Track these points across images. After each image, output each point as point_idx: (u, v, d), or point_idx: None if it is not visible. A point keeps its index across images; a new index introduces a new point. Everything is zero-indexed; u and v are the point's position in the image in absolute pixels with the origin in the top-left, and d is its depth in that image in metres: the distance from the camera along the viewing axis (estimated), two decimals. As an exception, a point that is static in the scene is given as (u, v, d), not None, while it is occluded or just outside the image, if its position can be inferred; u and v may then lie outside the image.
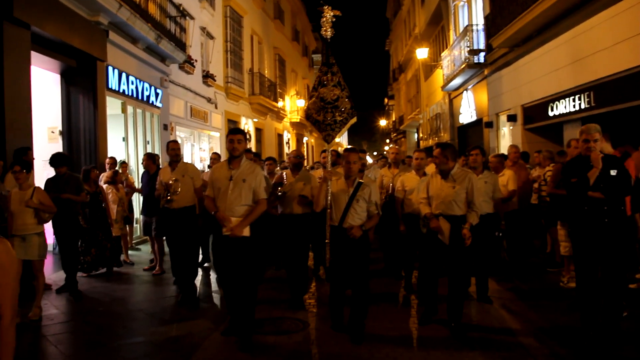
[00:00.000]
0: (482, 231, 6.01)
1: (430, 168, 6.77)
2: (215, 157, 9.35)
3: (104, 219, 8.16)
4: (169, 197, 6.61)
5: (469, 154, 6.55)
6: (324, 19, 5.59)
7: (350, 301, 5.13)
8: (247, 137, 21.44)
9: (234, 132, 5.06)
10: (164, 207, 6.76)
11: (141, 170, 9.87)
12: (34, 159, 7.43)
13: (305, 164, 14.30)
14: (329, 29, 5.60)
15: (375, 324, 5.43)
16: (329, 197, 5.12)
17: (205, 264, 8.71)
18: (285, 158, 23.42)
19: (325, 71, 5.60)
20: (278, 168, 9.52)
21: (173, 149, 6.94)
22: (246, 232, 4.86)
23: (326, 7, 5.60)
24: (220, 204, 4.95)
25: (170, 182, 6.62)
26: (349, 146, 5.77)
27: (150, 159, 8.45)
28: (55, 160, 7.01)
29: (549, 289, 6.86)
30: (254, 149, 22.44)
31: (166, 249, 8.04)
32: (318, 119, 5.56)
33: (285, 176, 6.45)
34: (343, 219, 5.06)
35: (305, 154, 34.60)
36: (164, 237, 8.07)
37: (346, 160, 5.12)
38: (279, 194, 6.35)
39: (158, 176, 7.04)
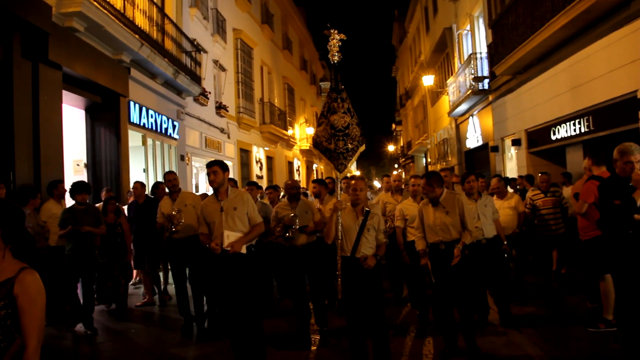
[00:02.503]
0: (491, 254, 6.09)
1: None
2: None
3: (121, 252, 7.80)
4: (173, 229, 6.44)
5: (464, 182, 6.36)
6: (331, 43, 5.47)
7: (371, 333, 4.92)
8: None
9: (208, 165, 5.14)
10: (169, 238, 6.62)
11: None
12: (66, 191, 7.89)
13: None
14: (336, 53, 5.46)
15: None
16: (340, 228, 4.95)
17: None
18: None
19: (335, 97, 5.36)
20: (283, 195, 9.61)
21: (169, 180, 6.79)
22: (243, 249, 4.91)
23: (333, 31, 5.49)
24: (215, 237, 4.96)
25: (174, 213, 6.45)
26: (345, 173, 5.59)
27: (143, 188, 8.19)
28: (76, 189, 6.88)
29: (569, 314, 6.62)
30: (265, 177, 22.97)
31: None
32: (329, 147, 5.30)
33: (297, 221, 6.06)
34: (355, 249, 4.88)
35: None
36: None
37: (353, 188, 5.01)
38: (289, 236, 6.08)
39: (159, 208, 6.86)
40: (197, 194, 8.64)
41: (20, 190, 7.20)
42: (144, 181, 11.99)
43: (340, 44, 5.46)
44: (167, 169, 13.13)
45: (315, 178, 6.85)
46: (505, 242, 6.55)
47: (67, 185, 8.81)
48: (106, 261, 7.60)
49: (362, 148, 5.43)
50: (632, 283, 4.38)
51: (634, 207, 4.30)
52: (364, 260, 4.81)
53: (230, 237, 4.85)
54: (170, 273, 8.09)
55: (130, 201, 9.08)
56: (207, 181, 5.07)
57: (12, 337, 2.29)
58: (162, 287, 8.58)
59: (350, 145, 5.28)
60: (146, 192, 8.80)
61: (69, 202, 8.20)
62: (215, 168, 5.05)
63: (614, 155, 4.64)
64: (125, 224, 7.94)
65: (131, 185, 10.81)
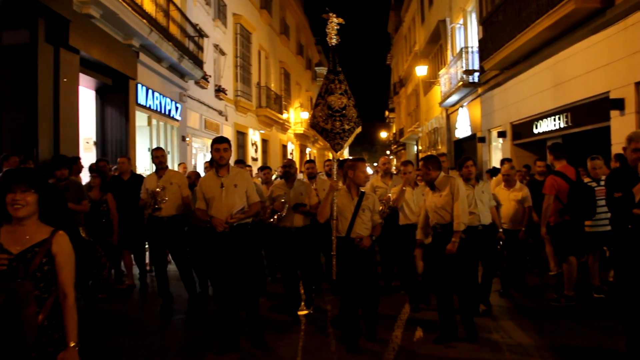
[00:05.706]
0: (485, 241, 6.01)
1: None
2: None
3: (106, 232, 7.17)
4: (156, 206, 6.34)
5: (462, 166, 6.22)
6: (329, 26, 5.59)
7: (362, 309, 5.13)
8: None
9: (219, 141, 5.10)
10: (151, 216, 6.46)
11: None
12: (82, 167, 8.50)
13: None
14: (334, 36, 5.58)
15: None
16: (335, 208, 5.06)
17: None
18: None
19: (332, 79, 5.50)
20: (275, 177, 10.04)
21: (157, 157, 6.56)
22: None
23: (331, 15, 5.59)
24: (214, 212, 4.99)
25: (157, 190, 6.32)
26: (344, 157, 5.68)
27: (130, 163, 7.84)
28: (55, 164, 6.65)
29: (572, 309, 6.40)
30: (260, 160, 23.61)
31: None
32: (326, 127, 5.42)
33: (285, 207, 6.15)
34: (350, 230, 4.99)
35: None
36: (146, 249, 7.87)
37: (359, 169, 5.10)
38: (272, 221, 6.21)
39: (143, 184, 6.62)
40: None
41: (42, 166, 7.85)
42: (149, 160, 12.66)
43: (338, 27, 5.64)
44: (169, 149, 13.80)
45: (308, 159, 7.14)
46: (500, 230, 6.51)
47: (83, 162, 9.39)
48: (90, 241, 6.88)
49: (359, 130, 5.59)
50: (633, 277, 4.27)
51: (632, 201, 4.17)
52: (359, 241, 4.92)
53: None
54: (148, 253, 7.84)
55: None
56: (215, 157, 5.07)
57: (50, 289, 2.70)
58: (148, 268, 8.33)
59: (347, 126, 5.43)
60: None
61: (86, 177, 8.85)
62: (227, 145, 5.10)
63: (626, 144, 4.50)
64: (111, 202, 7.27)
65: (137, 164, 11.53)
